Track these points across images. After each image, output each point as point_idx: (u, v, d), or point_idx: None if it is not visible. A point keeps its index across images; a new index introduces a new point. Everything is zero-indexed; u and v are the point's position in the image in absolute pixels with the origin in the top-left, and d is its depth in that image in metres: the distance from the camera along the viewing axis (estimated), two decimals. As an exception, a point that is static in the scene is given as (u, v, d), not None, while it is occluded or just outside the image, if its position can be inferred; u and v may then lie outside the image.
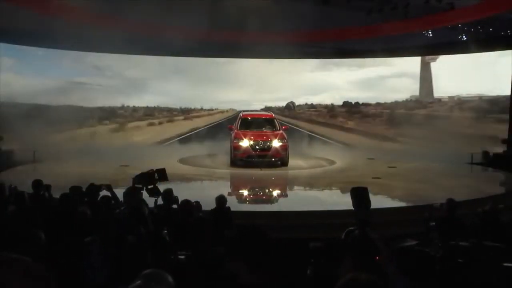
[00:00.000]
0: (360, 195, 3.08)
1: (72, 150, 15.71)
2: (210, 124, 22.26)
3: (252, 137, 14.20)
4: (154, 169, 6.43)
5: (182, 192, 6.92)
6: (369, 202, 3.10)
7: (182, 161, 15.31)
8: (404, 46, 19.59)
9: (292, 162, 14.60)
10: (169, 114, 22.12)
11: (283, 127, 15.32)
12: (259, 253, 2.46)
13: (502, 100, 17.87)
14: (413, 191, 11.57)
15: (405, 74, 22.14)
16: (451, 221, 5.71)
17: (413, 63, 21.48)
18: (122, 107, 21.44)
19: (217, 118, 22.93)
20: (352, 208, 3.19)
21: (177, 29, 16.83)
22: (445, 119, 19.05)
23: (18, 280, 2.02)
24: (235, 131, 14.79)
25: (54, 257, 3.71)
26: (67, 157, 14.88)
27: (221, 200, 6.76)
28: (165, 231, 5.01)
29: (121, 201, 5.89)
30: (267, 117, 16.14)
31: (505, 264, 3.63)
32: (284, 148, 14.20)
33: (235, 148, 14.21)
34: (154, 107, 22.33)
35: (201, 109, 22.29)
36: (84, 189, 6.26)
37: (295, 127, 20.43)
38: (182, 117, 22.17)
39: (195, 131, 21.41)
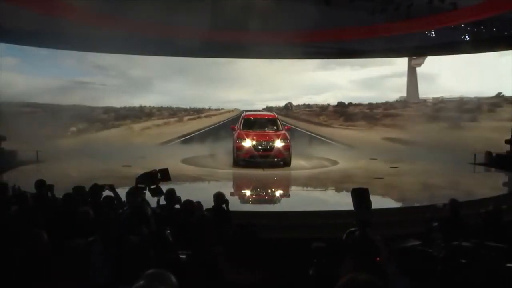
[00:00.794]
0: (360, 196, 3.08)
1: (85, 150, 15.82)
2: (224, 120, 23.01)
3: (254, 137, 14.20)
4: (157, 169, 6.44)
5: (185, 192, 6.93)
6: (369, 203, 3.10)
7: (185, 161, 15.33)
8: (407, 46, 19.60)
9: (294, 162, 14.60)
10: (187, 113, 23.45)
11: (286, 127, 15.32)
12: (250, 253, 2.47)
13: (481, 101, 19.64)
14: (415, 191, 11.56)
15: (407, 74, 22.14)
16: (454, 222, 5.70)
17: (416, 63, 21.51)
18: (142, 107, 22.58)
19: (226, 116, 23.49)
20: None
21: (180, 30, 16.87)
22: (423, 118, 20.18)
23: None
24: (238, 131, 14.78)
25: (57, 257, 3.73)
26: (72, 157, 14.87)
27: (218, 197, 6.60)
28: (168, 231, 5.02)
29: (124, 201, 5.90)
30: (270, 117, 16.13)
31: (508, 265, 3.63)
32: (287, 148, 14.19)
33: (238, 148, 14.21)
34: (171, 107, 23.37)
35: (209, 109, 23.43)
36: (87, 189, 6.28)
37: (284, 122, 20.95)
38: (199, 115, 23.57)
39: (219, 124, 22.74)
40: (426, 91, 21.43)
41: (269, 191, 12.40)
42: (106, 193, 6.34)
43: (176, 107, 23.58)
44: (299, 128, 21.60)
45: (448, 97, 20.41)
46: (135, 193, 5.79)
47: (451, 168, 14.51)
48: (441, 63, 20.59)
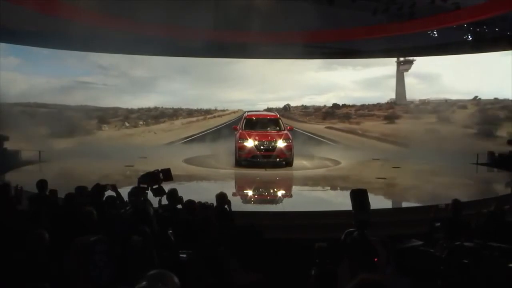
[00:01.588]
0: (359, 197, 3.08)
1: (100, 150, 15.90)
2: (233, 119, 23.09)
3: (256, 137, 14.18)
4: (159, 169, 6.45)
5: (187, 192, 6.93)
6: (368, 204, 3.10)
7: (187, 160, 15.34)
8: (409, 46, 19.62)
9: (296, 162, 14.59)
10: (199, 114, 24.27)
11: (288, 127, 15.30)
12: (253, 253, 2.48)
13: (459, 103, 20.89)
14: (417, 192, 11.55)
15: (410, 74, 22.14)
16: (456, 222, 5.69)
17: (417, 63, 21.49)
18: (156, 108, 23.34)
19: (233, 116, 23.66)
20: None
21: (181, 30, 16.90)
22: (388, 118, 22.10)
23: None
24: (240, 131, 14.77)
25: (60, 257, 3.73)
26: (77, 157, 14.87)
27: (221, 198, 6.53)
28: (170, 231, 5.03)
29: (126, 201, 5.91)
30: (272, 117, 16.10)
31: (510, 265, 3.62)
32: (289, 148, 14.17)
33: (240, 148, 14.19)
34: (175, 107, 24.01)
35: (216, 110, 24.08)
36: (89, 189, 6.29)
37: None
38: (209, 116, 24.30)
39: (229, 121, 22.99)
40: (427, 92, 21.58)
41: (271, 191, 12.40)
42: (109, 193, 6.35)
43: (178, 108, 23.90)
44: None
45: (433, 99, 21.12)
46: (137, 193, 5.79)
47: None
48: (442, 63, 20.60)
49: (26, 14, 14.70)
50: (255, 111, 18.44)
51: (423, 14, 17.04)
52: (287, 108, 23.61)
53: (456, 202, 6.10)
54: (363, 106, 23.20)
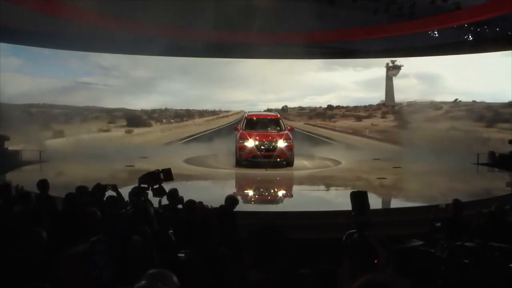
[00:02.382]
0: (359, 199, 3.08)
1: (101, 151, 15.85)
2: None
3: (257, 137, 14.17)
4: (160, 169, 6.44)
5: (187, 192, 6.93)
6: (368, 206, 3.10)
7: (188, 160, 15.35)
8: (409, 47, 19.63)
9: (297, 162, 14.59)
10: (208, 114, 25.15)
11: (288, 127, 15.30)
12: (272, 253, 2.47)
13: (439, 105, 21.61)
14: (418, 192, 11.55)
15: (410, 75, 22.16)
16: (456, 222, 5.69)
17: (417, 64, 21.49)
18: (166, 109, 24.10)
19: (236, 117, 23.79)
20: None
21: (182, 30, 16.90)
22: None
23: None
24: (240, 131, 14.77)
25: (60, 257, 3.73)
26: (77, 158, 14.85)
27: (231, 200, 6.55)
28: (171, 231, 5.02)
29: (127, 201, 5.91)
30: (273, 117, 16.11)
31: (511, 265, 3.62)
32: (290, 148, 14.16)
33: (240, 148, 14.19)
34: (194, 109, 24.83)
35: (220, 111, 24.71)
36: (90, 189, 6.29)
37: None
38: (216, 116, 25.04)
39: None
40: (426, 92, 21.63)
41: (272, 191, 12.40)
42: (109, 193, 6.35)
43: (186, 109, 24.42)
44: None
45: (420, 100, 21.51)
46: (138, 193, 5.79)
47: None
48: (441, 64, 20.62)
49: (26, 14, 14.71)
50: (256, 111, 18.46)
51: (423, 14, 17.05)
52: (285, 109, 24.11)
53: (456, 202, 6.09)
54: (355, 108, 23.94)
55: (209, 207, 6.35)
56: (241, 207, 8.62)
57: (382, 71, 22.82)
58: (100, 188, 6.33)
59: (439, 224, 5.65)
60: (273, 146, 14.09)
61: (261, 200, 11.19)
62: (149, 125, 23.11)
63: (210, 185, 12.79)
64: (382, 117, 23.15)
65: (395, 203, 10.54)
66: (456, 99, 21.46)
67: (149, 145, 19.52)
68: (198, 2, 17.08)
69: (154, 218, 5.01)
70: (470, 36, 18.85)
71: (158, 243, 4.33)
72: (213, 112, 24.67)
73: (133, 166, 13.66)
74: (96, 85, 21.21)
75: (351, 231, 3.05)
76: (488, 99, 20.20)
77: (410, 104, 21.91)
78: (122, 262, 3.64)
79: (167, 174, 6.45)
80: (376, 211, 8.90)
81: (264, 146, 14.07)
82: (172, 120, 24.09)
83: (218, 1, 17.19)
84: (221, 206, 6.51)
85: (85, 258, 2.92)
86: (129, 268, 3.54)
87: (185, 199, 6.10)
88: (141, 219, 4.60)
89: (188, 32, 17.38)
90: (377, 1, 16.82)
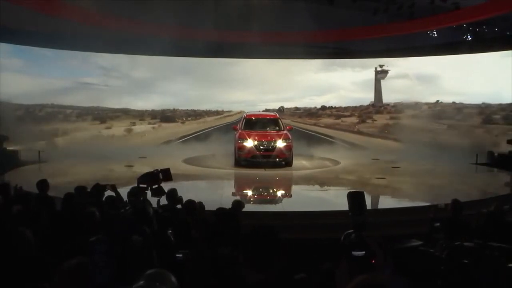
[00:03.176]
0: (356, 199, 3.08)
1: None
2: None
3: (256, 137, 14.16)
4: (159, 169, 6.44)
5: (186, 192, 6.93)
6: (365, 206, 3.10)
7: (187, 160, 15.34)
8: (409, 47, 19.63)
9: (296, 162, 14.59)
10: (214, 114, 25.46)
11: (287, 127, 15.30)
12: (269, 253, 2.47)
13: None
14: (417, 192, 11.54)
15: (409, 75, 22.15)
16: (456, 222, 5.69)
17: (416, 64, 21.46)
18: (174, 110, 24.34)
19: (238, 116, 23.68)
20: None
21: (182, 30, 16.89)
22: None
23: None
24: (239, 131, 14.76)
25: (60, 257, 3.72)
26: (79, 158, 14.83)
27: (237, 205, 6.54)
28: (170, 231, 5.02)
29: (126, 201, 5.91)
30: (272, 117, 16.11)
31: (511, 265, 3.62)
32: (289, 148, 14.16)
33: (239, 148, 14.18)
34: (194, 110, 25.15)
35: (223, 111, 24.93)
36: (89, 189, 6.28)
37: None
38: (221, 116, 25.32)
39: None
40: (425, 93, 21.75)
41: (271, 191, 12.40)
42: (108, 193, 6.34)
43: (179, 108, 24.35)
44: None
45: (406, 102, 22.14)
46: (137, 193, 5.79)
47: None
48: (440, 64, 20.63)
49: (26, 14, 14.70)
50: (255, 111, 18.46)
51: (423, 14, 17.05)
52: (281, 109, 24.25)
53: (455, 202, 6.09)
54: (346, 108, 24.47)
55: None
56: (241, 207, 8.62)
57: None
58: (99, 188, 6.32)
59: (438, 224, 5.64)
60: (272, 146, 14.08)
61: (260, 200, 11.18)
62: (175, 121, 24.18)
63: (209, 185, 12.80)
64: (359, 116, 24.06)
65: (395, 203, 10.55)
66: (438, 100, 22.13)
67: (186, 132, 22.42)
68: (198, 2, 17.09)
69: (153, 218, 5.00)
70: (469, 36, 18.85)
71: (157, 243, 4.33)
72: (217, 112, 25.03)
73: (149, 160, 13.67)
74: (97, 85, 21.22)
75: (349, 231, 3.05)
76: (488, 99, 20.20)
77: (398, 104, 22.65)
78: (121, 262, 3.64)
79: (166, 174, 6.46)
80: (375, 211, 8.91)
81: (263, 146, 14.06)
82: (189, 118, 24.98)
83: (218, 1, 17.18)
84: (229, 210, 6.50)
85: (82, 271, 2.89)
86: (129, 268, 3.54)
87: (184, 199, 6.10)
88: (140, 219, 4.59)
89: (188, 32, 17.37)
90: (376, 1, 16.82)
